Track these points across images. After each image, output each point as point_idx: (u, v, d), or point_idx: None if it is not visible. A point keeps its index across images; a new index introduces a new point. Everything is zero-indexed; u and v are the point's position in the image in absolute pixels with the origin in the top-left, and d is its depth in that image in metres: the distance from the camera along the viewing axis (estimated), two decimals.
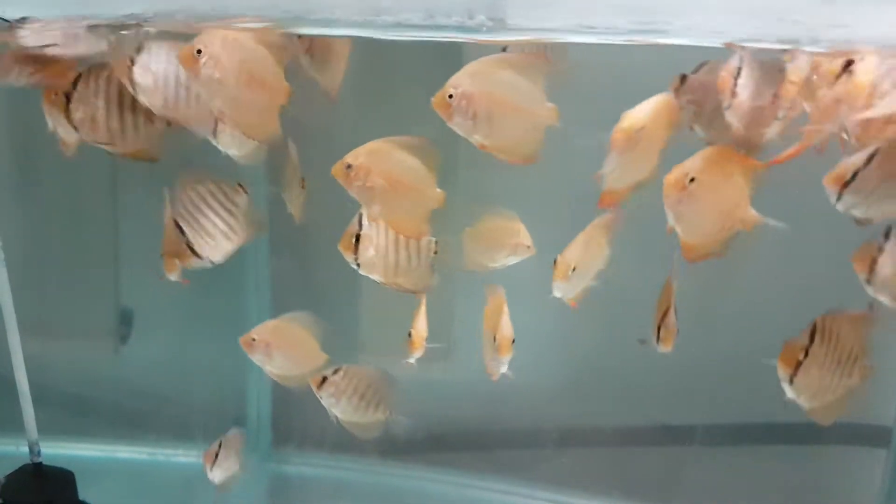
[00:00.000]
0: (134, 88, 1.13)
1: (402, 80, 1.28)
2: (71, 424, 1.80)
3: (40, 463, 1.48)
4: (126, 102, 1.20)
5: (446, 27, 1.01)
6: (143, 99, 1.14)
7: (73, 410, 1.84)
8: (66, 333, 1.78)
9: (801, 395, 1.16)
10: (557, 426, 1.80)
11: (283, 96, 1.12)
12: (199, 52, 1.03)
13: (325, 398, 1.39)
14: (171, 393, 1.82)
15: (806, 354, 1.13)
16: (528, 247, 1.32)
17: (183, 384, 1.83)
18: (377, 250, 1.24)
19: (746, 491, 1.69)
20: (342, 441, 1.90)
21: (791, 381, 1.14)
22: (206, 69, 1.04)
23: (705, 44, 1.06)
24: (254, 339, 1.40)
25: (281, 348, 1.42)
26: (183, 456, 1.88)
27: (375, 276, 1.25)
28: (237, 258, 1.84)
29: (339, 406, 1.41)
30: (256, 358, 1.41)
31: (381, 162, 1.11)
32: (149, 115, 1.21)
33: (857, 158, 1.04)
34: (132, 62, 1.13)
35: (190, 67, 1.05)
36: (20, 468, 1.48)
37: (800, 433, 1.67)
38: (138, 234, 1.82)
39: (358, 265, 1.24)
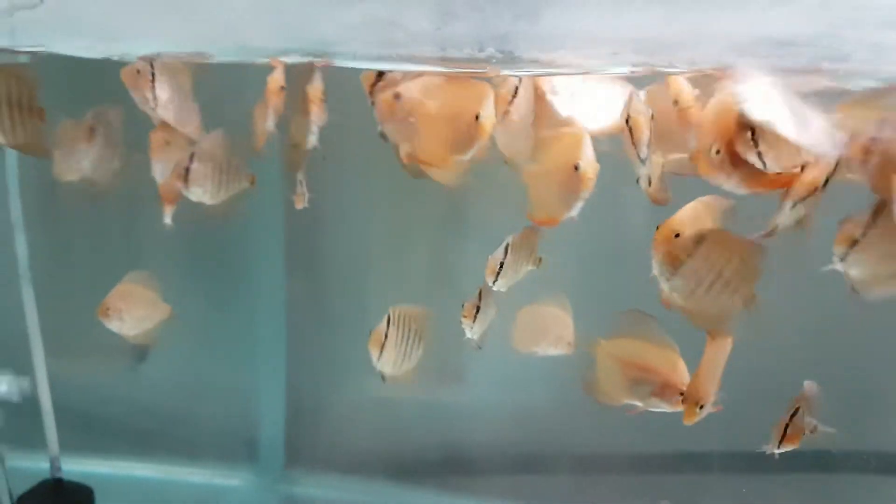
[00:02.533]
0: (154, 102, 1.19)
1: None
2: (87, 441, 1.82)
3: (61, 479, 1.50)
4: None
5: (458, 59, 1.02)
6: (161, 111, 1.20)
7: (90, 428, 1.87)
8: (85, 352, 1.81)
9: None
10: (573, 452, 1.79)
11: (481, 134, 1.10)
12: (396, 96, 1.06)
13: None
14: (185, 413, 1.84)
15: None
16: (569, 344, 1.34)
17: (197, 405, 1.85)
18: None
19: None
20: (353, 463, 1.91)
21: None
22: (401, 114, 1.07)
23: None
24: (108, 310, 1.40)
25: (131, 310, 1.42)
26: (197, 475, 1.90)
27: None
28: (252, 279, 1.87)
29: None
30: (113, 325, 1.41)
31: None
32: None
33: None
34: (153, 77, 1.18)
35: (387, 111, 1.07)
36: (41, 482, 1.51)
37: (818, 461, 1.64)
38: (158, 257, 1.85)
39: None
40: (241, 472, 1.92)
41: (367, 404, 1.90)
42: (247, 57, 1.20)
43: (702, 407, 1.13)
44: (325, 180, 1.51)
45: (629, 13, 0.99)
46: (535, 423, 1.77)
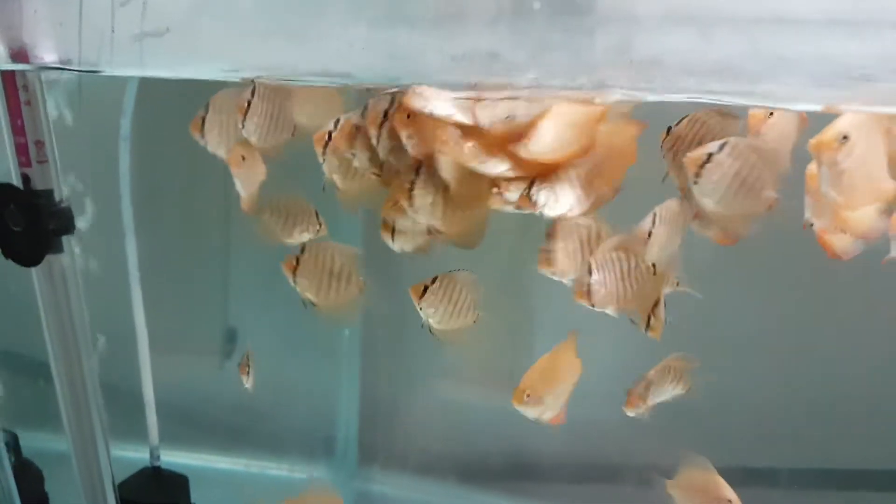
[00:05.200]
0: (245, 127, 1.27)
1: None
2: (176, 434, 1.95)
3: (159, 466, 1.62)
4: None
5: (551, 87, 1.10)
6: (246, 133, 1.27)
7: (179, 421, 1.99)
8: (178, 348, 1.94)
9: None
10: (639, 464, 1.82)
11: None
12: (844, 137, 1.01)
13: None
14: (270, 412, 1.95)
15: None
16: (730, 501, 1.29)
17: (280, 405, 1.95)
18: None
19: None
20: (422, 463, 1.99)
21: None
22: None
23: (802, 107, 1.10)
24: None
25: None
26: (277, 469, 2.01)
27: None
28: None
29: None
30: None
31: None
32: None
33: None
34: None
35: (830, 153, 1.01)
36: (141, 469, 1.63)
37: (888, 480, 1.64)
38: (247, 263, 1.98)
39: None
40: (318, 467, 2.02)
41: (437, 409, 1.97)
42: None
43: None
44: None
45: (713, 44, 1.05)
46: (602, 436, 1.81)
